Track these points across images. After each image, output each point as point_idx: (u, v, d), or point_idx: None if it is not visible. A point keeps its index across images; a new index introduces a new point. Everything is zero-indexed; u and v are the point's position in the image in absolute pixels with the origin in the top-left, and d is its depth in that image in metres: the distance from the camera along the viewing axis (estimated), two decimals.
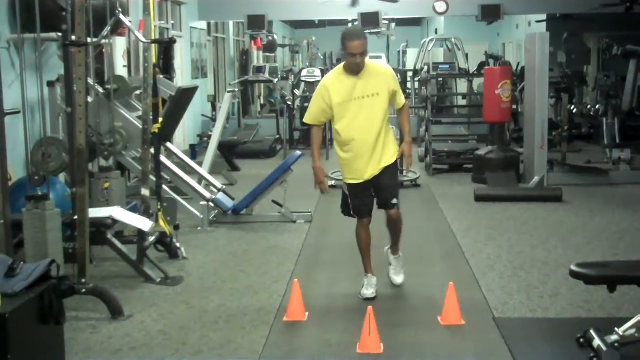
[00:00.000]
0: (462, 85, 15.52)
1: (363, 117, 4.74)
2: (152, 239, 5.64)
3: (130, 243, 5.53)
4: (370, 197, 4.91)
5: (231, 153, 10.77)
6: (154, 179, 6.15)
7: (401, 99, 4.95)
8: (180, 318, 4.61)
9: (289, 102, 13.04)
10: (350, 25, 15.78)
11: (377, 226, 5.08)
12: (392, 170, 4.88)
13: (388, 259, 5.16)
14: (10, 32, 6.25)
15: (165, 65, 9.40)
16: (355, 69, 4.70)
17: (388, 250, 5.16)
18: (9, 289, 3.55)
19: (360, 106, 4.73)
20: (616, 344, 3.70)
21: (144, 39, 6.02)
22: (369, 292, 4.90)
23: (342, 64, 4.80)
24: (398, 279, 5.10)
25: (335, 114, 4.78)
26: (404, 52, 21.46)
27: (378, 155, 4.80)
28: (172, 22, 11.98)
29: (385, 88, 4.77)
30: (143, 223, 5.43)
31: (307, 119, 4.94)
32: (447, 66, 15.29)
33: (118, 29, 7.08)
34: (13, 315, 3.39)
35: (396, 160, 4.90)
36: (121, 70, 9.03)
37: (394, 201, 4.86)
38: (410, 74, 16.14)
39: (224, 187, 7.77)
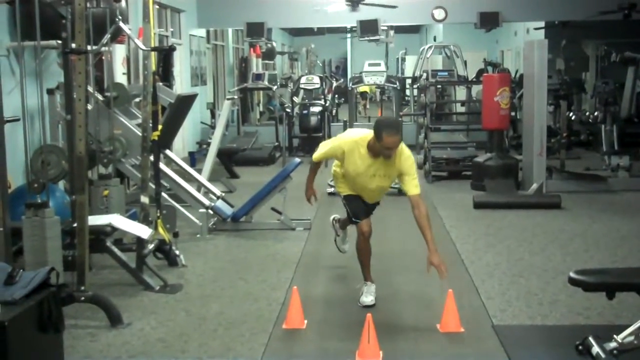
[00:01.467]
0: (460, 93, 15.55)
1: (370, 187, 4.87)
2: (151, 246, 5.64)
3: (129, 250, 5.52)
4: (365, 202, 5.03)
5: (230, 160, 10.78)
6: (153, 186, 6.16)
7: (414, 188, 4.64)
8: (180, 325, 4.60)
9: (288, 110, 13.06)
10: (349, 31, 15.83)
11: (377, 232, 5.08)
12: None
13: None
14: (10, 40, 6.27)
15: (165, 72, 9.39)
16: (386, 157, 4.63)
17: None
18: (8, 297, 3.55)
19: (371, 179, 4.81)
20: (615, 351, 3.70)
21: (143, 47, 6.04)
22: (368, 299, 4.90)
23: (367, 137, 4.65)
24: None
25: (344, 169, 4.88)
26: (403, 59, 21.55)
27: (370, 197, 5.02)
28: (172, 29, 11.99)
29: (397, 172, 4.75)
30: (142, 230, 5.43)
31: (316, 157, 5.06)
32: (446, 73, 15.33)
33: (118, 36, 7.10)
34: (12, 323, 3.39)
35: None
36: (121, 77, 9.05)
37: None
38: (409, 81, 16.17)
39: (223, 194, 7.78)
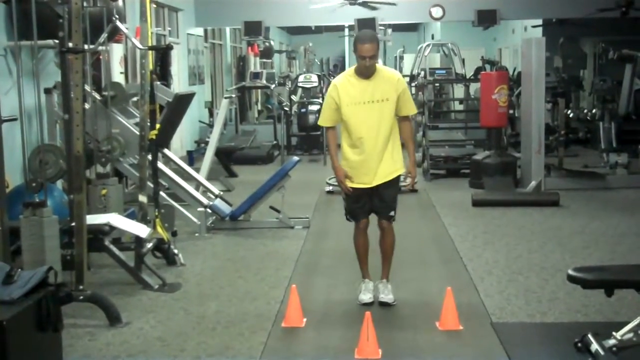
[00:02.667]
0: (458, 91, 15.54)
1: (373, 120, 4.72)
2: (149, 245, 5.63)
3: (127, 250, 5.52)
4: (368, 201, 4.87)
5: (228, 159, 10.78)
6: (152, 185, 6.15)
7: (410, 108, 4.86)
8: (178, 324, 4.60)
9: (286, 108, 13.06)
10: (347, 30, 15.85)
11: (374, 229, 5.08)
12: (396, 182, 4.90)
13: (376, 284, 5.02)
14: (7, 40, 6.26)
15: (162, 71, 9.38)
16: (365, 72, 4.70)
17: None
18: (7, 296, 3.55)
19: (370, 109, 4.71)
20: (614, 348, 3.70)
21: (140, 46, 6.03)
22: (366, 297, 4.89)
23: (354, 67, 4.81)
24: (386, 297, 4.88)
25: (344, 115, 4.75)
26: (401, 58, 21.49)
27: (387, 163, 4.78)
28: (169, 28, 11.98)
29: (395, 93, 4.74)
30: (140, 229, 5.43)
31: (321, 121, 4.94)
32: (444, 71, 15.33)
33: (115, 35, 7.09)
34: (11, 322, 3.39)
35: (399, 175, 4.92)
36: (118, 77, 9.03)
37: (392, 213, 4.86)
38: (407, 79, 16.16)
39: (222, 193, 7.78)
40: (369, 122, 4.72)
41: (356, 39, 4.74)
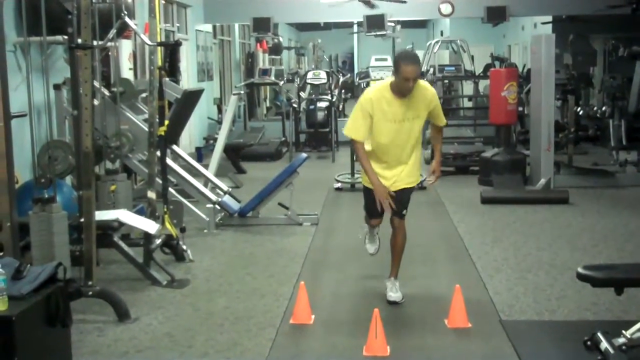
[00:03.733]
0: (467, 87, 15.51)
1: (401, 137, 4.68)
2: (158, 241, 5.64)
3: (136, 245, 5.53)
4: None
5: (237, 156, 10.78)
6: (160, 181, 6.16)
7: (442, 120, 4.87)
8: (187, 320, 4.61)
9: (294, 105, 13.05)
10: (356, 27, 15.82)
11: (385, 227, 5.07)
12: (411, 189, 4.91)
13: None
14: (16, 36, 6.27)
15: (171, 68, 9.40)
16: (405, 93, 4.56)
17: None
18: (16, 292, 3.56)
19: (400, 127, 4.65)
20: (624, 347, 3.68)
21: (149, 42, 6.03)
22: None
23: (389, 81, 4.62)
24: (394, 295, 4.88)
25: (373, 130, 4.68)
26: None
27: (407, 172, 4.81)
28: (178, 24, 11.99)
29: (426, 110, 4.70)
30: (149, 226, 5.44)
31: (354, 134, 4.66)
32: (453, 68, 15.29)
33: (124, 31, 7.11)
34: (20, 317, 3.41)
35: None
36: (127, 73, 9.03)
37: (404, 212, 4.88)
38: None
39: (230, 189, 7.77)
40: (397, 140, 4.68)
41: (399, 59, 4.53)
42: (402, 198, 4.82)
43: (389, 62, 13.79)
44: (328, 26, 20.63)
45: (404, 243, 4.94)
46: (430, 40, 17.04)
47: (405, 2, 12.76)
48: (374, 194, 4.68)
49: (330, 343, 4.26)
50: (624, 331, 3.75)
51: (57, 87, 6.45)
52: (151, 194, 6.03)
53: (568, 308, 4.73)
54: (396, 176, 4.77)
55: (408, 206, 4.91)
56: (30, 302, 3.55)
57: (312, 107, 13.16)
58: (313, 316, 4.59)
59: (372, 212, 4.94)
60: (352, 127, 4.68)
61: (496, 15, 12.84)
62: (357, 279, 5.44)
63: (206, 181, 7.76)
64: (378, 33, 13.45)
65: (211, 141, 11.52)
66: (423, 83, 4.73)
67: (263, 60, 18.44)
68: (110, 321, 4.55)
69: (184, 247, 5.98)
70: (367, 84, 17.88)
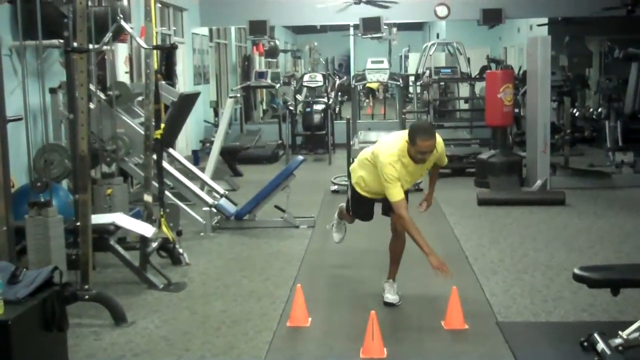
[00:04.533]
0: (464, 89, 15.52)
1: (411, 179, 4.80)
2: (154, 245, 5.64)
3: (133, 249, 5.53)
4: (372, 208, 5.00)
5: (233, 158, 10.77)
6: (157, 185, 6.15)
7: (444, 161, 4.98)
8: (183, 324, 4.60)
9: (291, 108, 13.05)
10: (352, 29, 15.81)
11: (380, 229, 5.08)
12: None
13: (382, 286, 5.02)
14: (12, 39, 6.26)
15: (167, 71, 9.40)
16: (420, 162, 4.62)
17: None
18: (12, 296, 3.55)
19: (412, 180, 4.79)
20: (620, 348, 3.69)
21: (145, 45, 6.03)
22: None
23: (405, 146, 4.58)
24: (391, 297, 4.91)
25: None
26: (406, 57, 21.49)
27: None
28: (174, 28, 11.98)
29: (434, 160, 4.81)
30: (146, 229, 5.43)
31: (400, 197, 4.59)
32: (449, 70, 15.31)
33: (120, 35, 7.09)
34: (16, 321, 3.40)
35: None
36: (123, 76, 9.05)
37: None
38: (412, 78, 16.15)
39: (227, 192, 7.77)
40: (408, 181, 4.78)
41: (416, 132, 4.52)
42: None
43: (385, 65, 13.75)
44: (324, 29, 20.66)
45: (403, 248, 4.97)
46: (427, 43, 17.06)
47: (397, 2, 12.75)
48: (431, 263, 4.59)
49: (327, 345, 4.26)
50: (620, 332, 3.76)
51: (53, 90, 6.45)
52: (147, 198, 6.02)
53: (564, 309, 4.73)
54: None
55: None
56: (26, 306, 3.54)
57: (308, 109, 13.16)
58: (310, 319, 4.59)
59: (360, 215, 5.12)
60: (397, 194, 4.58)
61: (492, 18, 12.86)
62: (354, 282, 5.44)
63: (202, 184, 7.75)
64: (374, 35, 13.46)
65: (207, 144, 11.50)
66: (439, 139, 4.74)
67: (259, 63, 18.43)
68: (106, 325, 4.54)
69: (181, 250, 5.97)
70: (363, 87, 17.87)
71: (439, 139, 4.75)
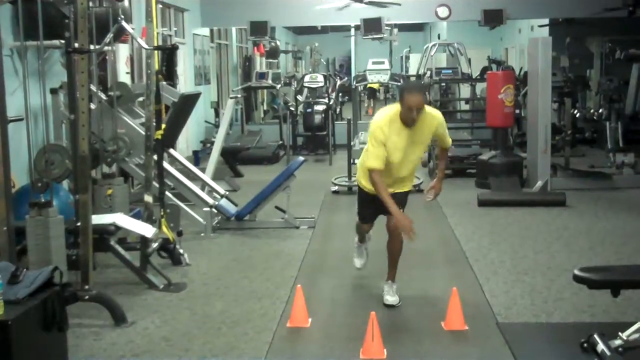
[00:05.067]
0: (465, 90, 15.52)
1: (407, 159, 4.76)
2: (155, 245, 5.64)
3: (133, 249, 5.53)
4: (377, 209, 4.92)
5: (234, 159, 10.77)
6: (157, 185, 6.16)
7: (447, 142, 4.96)
8: (184, 324, 4.60)
9: (292, 108, 13.06)
10: (353, 30, 15.83)
11: (381, 230, 5.08)
12: (405, 193, 4.96)
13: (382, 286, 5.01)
14: (13, 40, 6.27)
15: (168, 71, 9.41)
16: (411, 123, 4.61)
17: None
18: (12, 296, 3.56)
19: (407, 152, 4.72)
20: (620, 349, 3.69)
21: (146, 46, 6.03)
22: (359, 262, 5.14)
23: (397, 109, 4.62)
24: (391, 298, 4.89)
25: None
26: (407, 57, 21.50)
27: (404, 184, 4.93)
28: (175, 28, 12.00)
29: (431, 135, 4.79)
30: (146, 229, 5.43)
31: (375, 163, 4.62)
32: (450, 71, 15.29)
33: (121, 36, 7.10)
34: (16, 322, 3.40)
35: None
36: (124, 77, 9.05)
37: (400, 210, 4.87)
38: (413, 79, 16.14)
39: (227, 193, 7.77)
40: (403, 161, 4.74)
41: (404, 89, 4.66)
42: (396, 199, 4.81)
43: (387, 66, 13.76)
44: (325, 30, 20.63)
45: (401, 247, 4.95)
46: (428, 44, 17.05)
47: (399, 4, 12.76)
48: (396, 222, 4.63)
49: (327, 346, 4.26)
50: (620, 333, 3.75)
51: (54, 91, 6.45)
52: (148, 198, 6.02)
53: (565, 310, 4.73)
54: (391, 187, 4.82)
55: (403, 207, 4.91)
56: (26, 307, 3.54)
57: (309, 110, 13.15)
58: (310, 319, 4.59)
59: (364, 216, 5.08)
60: (373, 159, 4.63)
61: (493, 18, 12.86)
62: (354, 282, 5.45)
63: (203, 185, 7.75)
64: (375, 36, 13.45)
65: (208, 145, 11.51)
66: (430, 110, 4.77)
67: (260, 64, 18.42)
68: (106, 325, 4.54)
69: (181, 250, 5.98)
70: (364, 88, 17.89)
71: (438, 113, 4.82)
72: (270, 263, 6.02)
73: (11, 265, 3.82)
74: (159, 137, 6.05)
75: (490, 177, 9.13)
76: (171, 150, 7.68)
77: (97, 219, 5.07)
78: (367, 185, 4.88)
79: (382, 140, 4.61)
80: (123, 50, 9.16)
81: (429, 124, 4.71)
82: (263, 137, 13.40)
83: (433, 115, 4.77)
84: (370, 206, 4.96)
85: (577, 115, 11.22)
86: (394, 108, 4.69)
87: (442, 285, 5.26)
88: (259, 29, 13.15)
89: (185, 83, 11.78)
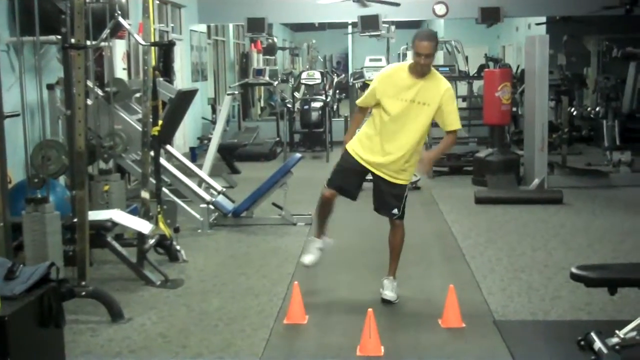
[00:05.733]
0: (462, 88, 15.50)
1: (408, 118, 4.64)
2: (152, 241, 5.63)
3: (130, 246, 5.52)
4: (353, 184, 4.82)
5: (231, 156, 10.76)
6: (154, 181, 6.15)
7: (453, 120, 4.73)
8: (180, 321, 4.60)
9: (289, 105, 13.05)
10: (351, 27, 15.83)
11: (377, 227, 5.07)
12: (398, 188, 4.79)
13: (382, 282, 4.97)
14: (9, 35, 6.25)
15: (165, 68, 9.39)
16: (419, 70, 4.58)
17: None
18: (9, 292, 3.54)
19: (408, 108, 4.63)
20: (617, 347, 3.69)
21: (143, 42, 6.02)
22: (306, 259, 5.04)
23: (410, 63, 4.66)
24: (389, 294, 4.86)
25: (383, 105, 4.67)
26: (404, 55, 21.44)
27: (398, 164, 4.73)
28: (172, 25, 11.97)
29: (437, 99, 4.63)
30: (143, 226, 5.42)
31: (360, 101, 4.91)
32: (447, 69, 15.26)
33: (117, 31, 7.09)
34: (12, 318, 3.38)
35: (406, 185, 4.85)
36: (121, 72, 9.03)
37: (395, 211, 4.79)
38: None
39: (224, 189, 7.76)
40: (403, 120, 4.64)
41: (415, 36, 4.62)
42: (385, 191, 4.77)
43: (384, 63, 13.76)
44: (322, 27, 20.65)
45: (402, 242, 4.89)
46: None
47: (398, 4, 12.76)
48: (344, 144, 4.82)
49: (324, 343, 4.25)
50: (617, 331, 3.75)
51: (50, 87, 6.44)
52: (145, 194, 6.02)
53: (562, 308, 4.73)
54: (385, 160, 4.71)
55: (399, 207, 4.79)
56: (23, 303, 3.53)
57: (306, 107, 13.16)
58: (307, 316, 4.58)
59: (335, 180, 4.85)
60: (362, 98, 4.88)
61: (490, 16, 12.86)
62: (351, 279, 5.44)
63: (200, 181, 7.74)
64: (372, 34, 13.45)
65: (205, 141, 11.51)
66: (441, 76, 4.75)
67: (257, 61, 18.42)
68: (103, 321, 4.53)
69: (178, 247, 5.96)
70: (362, 84, 17.88)
71: (448, 85, 4.72)
72: (267, 260, 6.01)
73: (7, 261, 3.80)
74: (156, 133, 6.04)
75: (487, 174, 9.13)
76: (168, 147, 7.66)
77: (94, 215, 5.06)
78: (358, 153, 4.77)
79: (375, 86, 4.72)
80: (120, 46, 9.14)
81: (436, 87, 4.65)
82: (260, 134, 13.39)
83: (443, 82, 4.72)
84: (347, 174, 4.80)
85: (574, 113, 11.22)
86: (407, 62, 4.75)
87: (439, 282, 5.26)
88: (256, 25, 13.14)
89: (182, 79, 11.76)
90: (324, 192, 4.91)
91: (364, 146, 4.77)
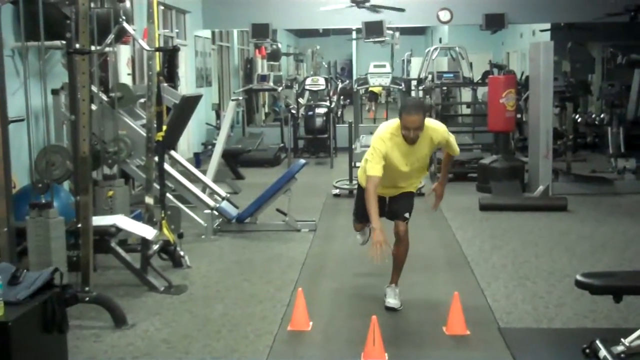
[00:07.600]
0: (466, 94, 15.51)
1: (410, 173, 4.82)
2: (155, 247, 5.62)
3: (133, 251, 5.52)
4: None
5: (235, 161, 10.77)
6: (158, 187, 6.14)
7: (454, 150, 4.94)
8: (184, 327, 4.59)
9: (293, 111, 13.06)
10: (355, 33, 15.84)
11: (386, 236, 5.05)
12: (409, 194, 4.97)
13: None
14: (14, 40, 6.26)
15: (170, 73, 9.39)
16: (409, 142, 4.64)
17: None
18: (12, 297, 3.54)
19: (406, 165, 4.75)
20: (622, 355, 3.67)
21: (148, 47, 6.03)
22: (362, 238, 5.30)
23: (400, 124, 4.62)
24: (393, 301, 4.87)
25: (390, 163, 4.72)
26: (408, 61, 21.47)
27: (407, 189, 4.96)
28: (177, 30, 11.99)
29: (433, 147, 4.83)
30: (147, 231, 5.42)
31: (374, 171, 4.59)
32: (452, 75, 15.26)
33: (122, 37, 7.09)
34: (16, 323, 3.38)
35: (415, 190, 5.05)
36: (125, 78, 9.04)
37: (407, 215, 4.88)
38: (414, 82, 16.13)
39: (228, 195, 7.76)
40: (405, 172, 4.78)
41: (402, 108, 4.65)
42: (399, 200, 4.90)
43: (388, 69, 13.75)
44: (327, 32, 20.63)
45: (406, 254, 4.94)
46: (429, 47, 17.03)
47: (403, 10, 12.77)
48: (373, 235, 4.58)
49: (328, 350, 4.24)
50: (622, 339, 3.74)
51: (55, 92, 6.45)
52: (149, 200, 6.02)
53: (566, 315, 4.71)
54: (397, 191, 4.92)
55: (411, 212, 4.91)
56: (26, 308, 3.52)
57: (310, 113, 13.16)
58: (311, 323, 4.57)
59: (359, 216, 5.10)
60: (372, 167, 4.62)
61: (495, 23, 12.86)
62: (355, 286, 5.43)
63: (204, 187, 7.75)
64: (377, 40, 13.46)
65: (209, 147, 11.51)
66: (432, 125, 4.77)
67: (262, 66, 18.43)
68: (107, 327, 4.53)
69: (182, 253, 5.96)
70: (366, 91, 17.89)
71: (441, 127, 4.81)
72: (271, 266, 6.00)
73: (11, 266, 3.80)
74: (160, 138, 6.04)
75: (492, 181, 9.12)
76: (172, 152, 7.67)
77: (98, 221, 5.06)
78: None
79: (382, 151, 4.63)
80: (124, 52, 9.14)
81: (430, 139, 4.72)
82: (264, 140, 13.39)
83: (435, 129, 4.76)
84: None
85: (579, 120, 11.20)
86: (397, 122, 4.69)
87: (443, 289, 5.24)
88: (260, 31, 13.15)
89: (186, 85, 11.77)
90: (355, 226, 5.37)
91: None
